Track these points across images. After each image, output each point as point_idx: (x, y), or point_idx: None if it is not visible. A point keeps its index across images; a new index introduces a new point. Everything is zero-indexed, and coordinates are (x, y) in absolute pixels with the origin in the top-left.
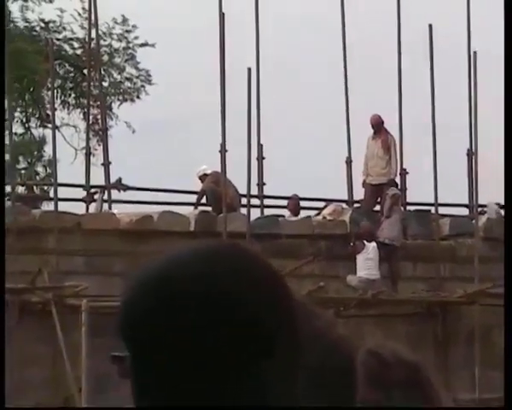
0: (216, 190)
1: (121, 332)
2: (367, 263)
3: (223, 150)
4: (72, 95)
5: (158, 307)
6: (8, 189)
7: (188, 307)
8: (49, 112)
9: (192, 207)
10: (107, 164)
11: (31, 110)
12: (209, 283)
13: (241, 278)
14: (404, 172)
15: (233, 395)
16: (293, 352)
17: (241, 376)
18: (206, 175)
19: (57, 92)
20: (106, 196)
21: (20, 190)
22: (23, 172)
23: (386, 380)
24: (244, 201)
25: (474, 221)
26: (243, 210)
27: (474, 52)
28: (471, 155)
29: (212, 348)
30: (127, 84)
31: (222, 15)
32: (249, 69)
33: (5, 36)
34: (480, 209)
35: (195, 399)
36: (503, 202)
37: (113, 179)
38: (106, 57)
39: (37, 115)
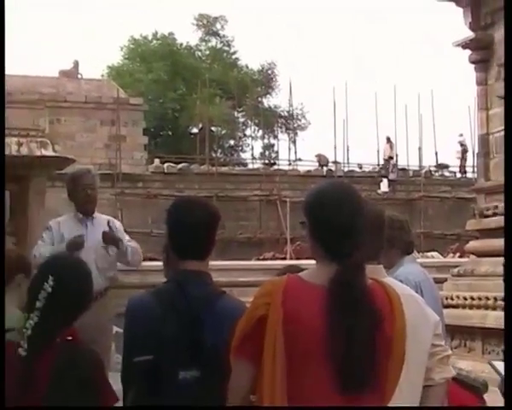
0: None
1: (303, 211)
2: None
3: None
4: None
5: (319, 202)
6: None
7: (340, 203)
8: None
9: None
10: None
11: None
12: (346, 193)
13: (358, 194)
14: (397, 154)
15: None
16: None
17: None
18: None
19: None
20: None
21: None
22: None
23: (389, 226)
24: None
25: (420, 171)
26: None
27: None
28: (420, 148)
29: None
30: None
31: (334, 103)
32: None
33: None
34: (423, 167)
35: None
36: (435, 164)
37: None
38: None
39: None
